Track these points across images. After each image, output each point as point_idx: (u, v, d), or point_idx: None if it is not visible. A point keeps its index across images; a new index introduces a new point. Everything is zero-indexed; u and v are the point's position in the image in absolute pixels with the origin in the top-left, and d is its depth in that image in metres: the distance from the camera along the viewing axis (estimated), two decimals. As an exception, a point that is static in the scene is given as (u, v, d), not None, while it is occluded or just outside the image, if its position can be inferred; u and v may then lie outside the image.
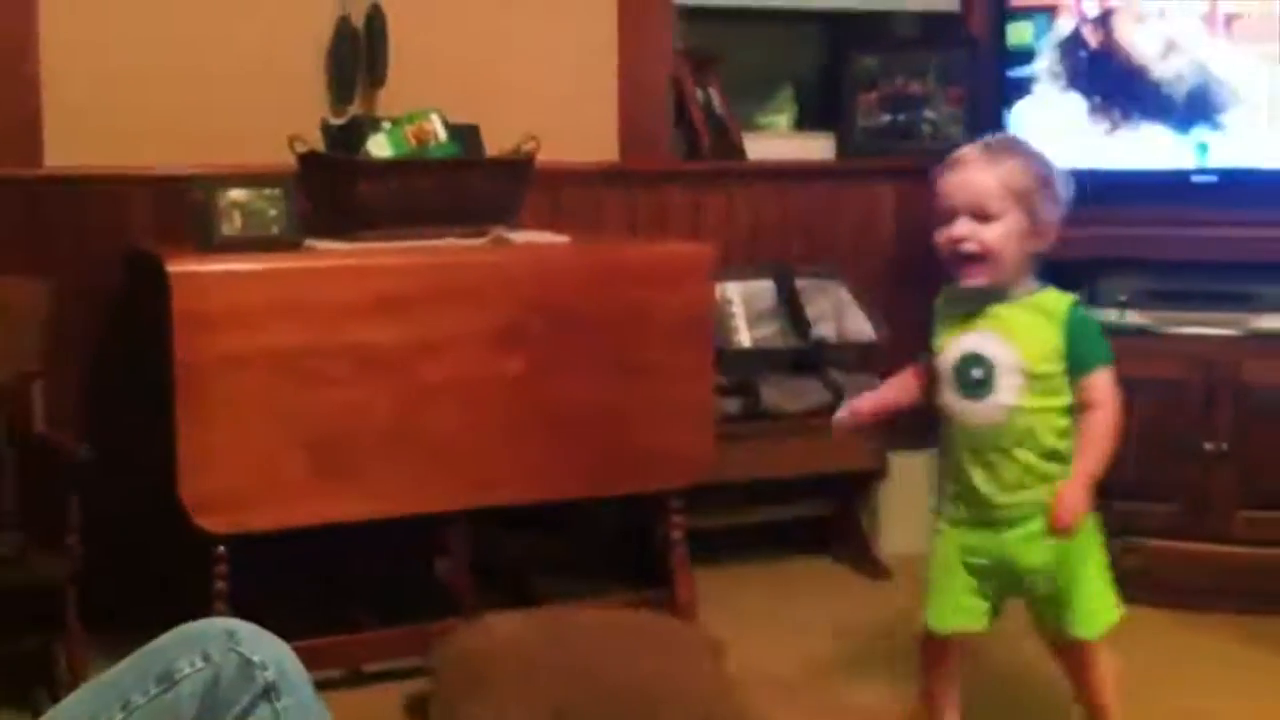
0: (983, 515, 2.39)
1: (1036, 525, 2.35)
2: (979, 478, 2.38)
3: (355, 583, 3.10)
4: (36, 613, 2.70)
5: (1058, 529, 2.30)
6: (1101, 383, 2.35)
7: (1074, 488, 2.31)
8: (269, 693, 1.29)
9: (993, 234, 2.34)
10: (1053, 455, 2.36)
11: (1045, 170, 2.38)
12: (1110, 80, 3.72)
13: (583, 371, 2.93)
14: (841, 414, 2.54)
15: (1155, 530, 3.57)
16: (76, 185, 3.14)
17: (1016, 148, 2.42)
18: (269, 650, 1.32)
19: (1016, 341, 2.35)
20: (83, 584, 2.71)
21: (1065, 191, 2.39)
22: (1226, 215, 3.62)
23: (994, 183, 2.34)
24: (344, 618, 2.92)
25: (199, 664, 1.29)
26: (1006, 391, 2.34)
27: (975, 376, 2.36)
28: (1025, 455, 2.35)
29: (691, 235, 3.70)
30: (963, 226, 2.35)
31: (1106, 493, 3.50)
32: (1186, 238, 3.62)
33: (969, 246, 2.34)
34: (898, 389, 2.56)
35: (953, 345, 2.40)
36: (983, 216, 2.34)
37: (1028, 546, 2.37)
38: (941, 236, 2.39)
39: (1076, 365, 2.35)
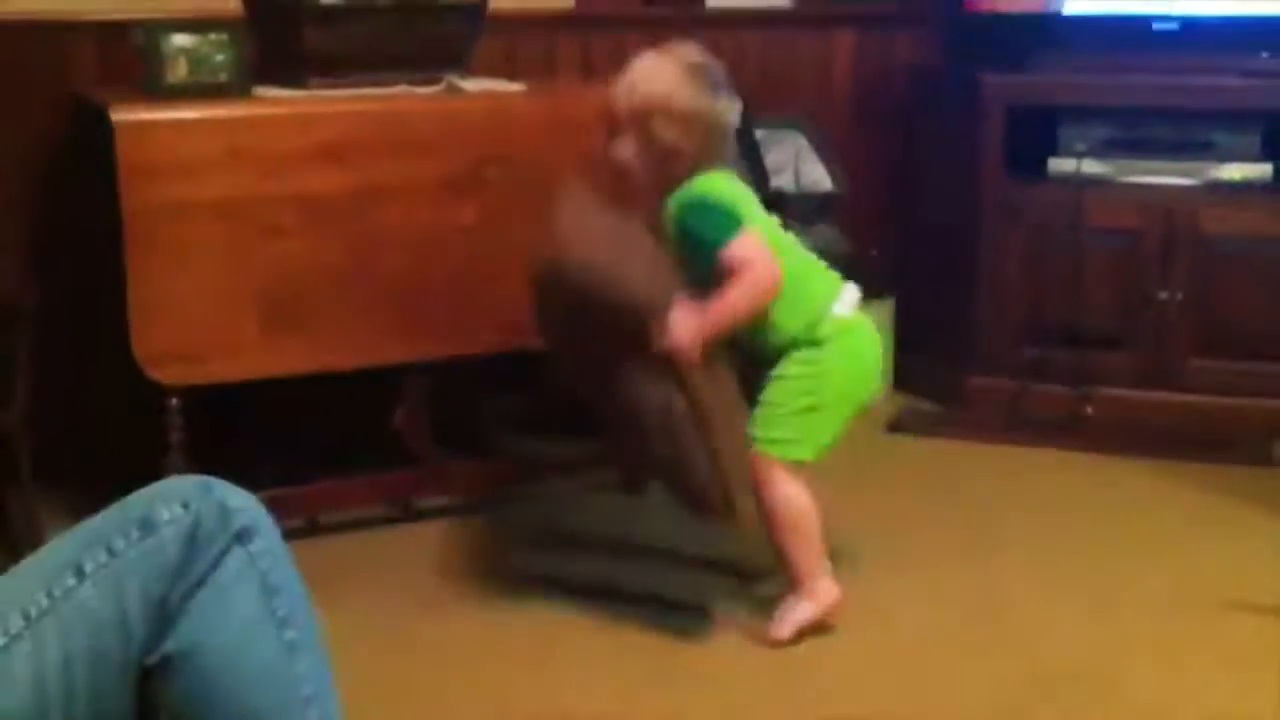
0: None
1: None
2: None
3: (311, 434, 3.09)
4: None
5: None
6: (727, 258, 2.38)
7: (684, 309, 2.32)
8: (242, 536, 1.34)
9: (621, 152, 2.43)
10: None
11: (667, 95, 2.39)
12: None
13: (538, 221, 2.89)
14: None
15: (1111, 378, 3.61)
16: (17, 31, 3.05)
17: (654, 66, 2.43)
18: (243, 498, 1.37)
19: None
20: (36, 437, 2.69)
21: (699, 116, 2.41)
22: (1187, 63, 3.59)
23: (621, 102, 2.42)
24: (300, 469, 2.92)
25: (178, 511, 1.32)
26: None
27: None
28: None
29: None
30: (605, 140, 2.46)
31: (1062, 340, 3.56)
32: (1146, 85, 3.60)
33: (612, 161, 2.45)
34: None
35: None
36: (614, 132, 2.44)
37: None
38: None
39: (705, 252, 2.40)
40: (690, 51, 2.47)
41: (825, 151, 3.71)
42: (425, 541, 2.89)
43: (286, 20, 2.88)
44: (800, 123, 3.77)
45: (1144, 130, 3.63)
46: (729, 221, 2.40)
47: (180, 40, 2.73)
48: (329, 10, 2.90)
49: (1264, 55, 3.57)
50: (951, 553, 2.85)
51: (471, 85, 2.98)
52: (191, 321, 2.65)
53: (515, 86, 3.07)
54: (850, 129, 3.99)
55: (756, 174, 3.68)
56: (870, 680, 2.35)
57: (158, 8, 2.98)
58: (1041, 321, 3.64)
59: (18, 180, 3.08)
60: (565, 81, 3.55)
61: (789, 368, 2.46)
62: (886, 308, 3.89)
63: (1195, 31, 3.62)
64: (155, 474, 1.45)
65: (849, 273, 3.63)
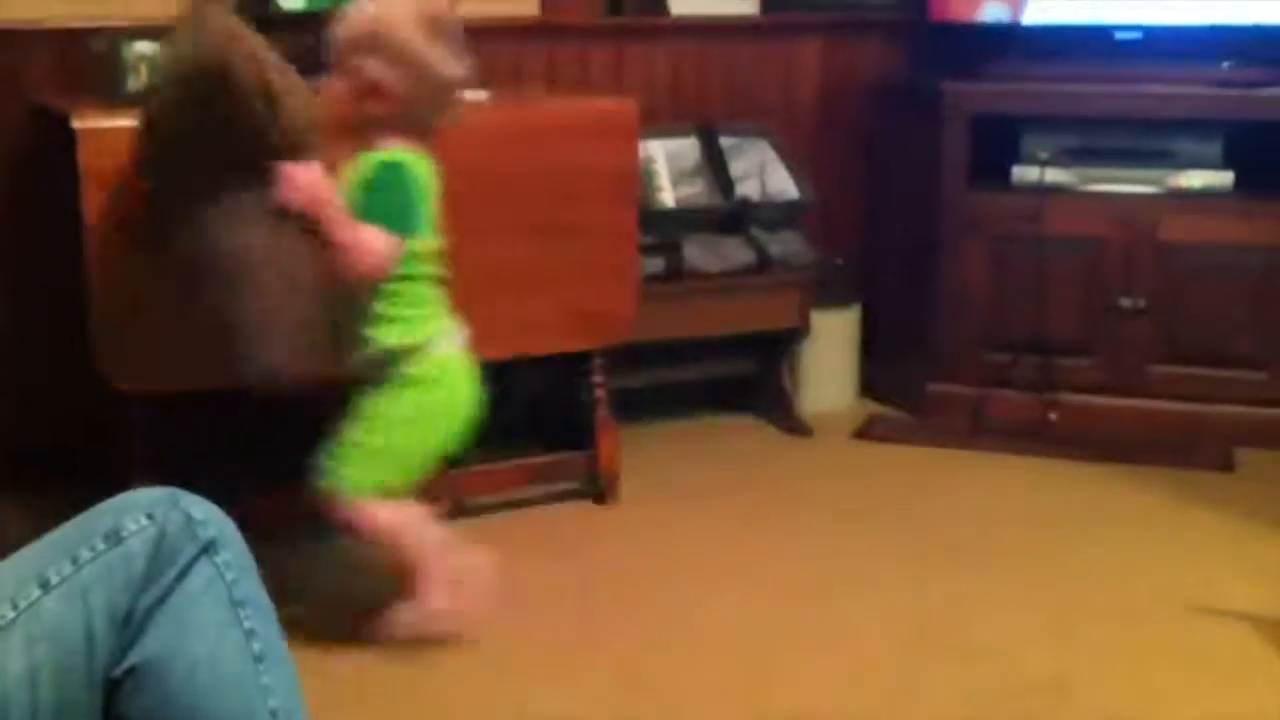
0: None
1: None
2: None
3: (276, 445, 3.07)
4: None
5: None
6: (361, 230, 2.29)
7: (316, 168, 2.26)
8: (209, 548, 1.34)
9: (331, 84, 2.34)
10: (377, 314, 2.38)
11: (388, 28, 2.28)
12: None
13: (503, 230, 2.89)
14: None
15: (1074, 385, 3.63)
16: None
17: (376, 4, 2.32)
18: (209, 509, 1.37)
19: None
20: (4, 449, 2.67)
21: (416, 63, 2.29)
22: (1149, 72, 3.62)
23: (343, 28, 2.32)
24: (270, 480, 2.89)
25: (144, 522, 1.32)
26: None
27: None
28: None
29: (613, 92, 3.64)
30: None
31: (1026, 347, 3.58)
32: (1109, 94, 3.62)
33: None
34: None
35: None
36: (337, 64, 2.33)
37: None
38: None
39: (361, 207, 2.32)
40: (436, 4, 2.35)
41: (792, 160, 3.71)
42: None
43: (250, 27, 2.86)
44: (767, 131, 3.78)
45: (1106, 139, 3.66)
46: (392, 217, 2.32)
47: (141, 48, 2.71)
48: (293, 18, 2.90)
49: (1225, 65, 3.60)
50: (916, 559, 2.85)
51: (436, 93, 2.97)
52: (151, 331, 2.62)
53: (480, 94, 3.06)
54: (817, 138, 4.00)
55: (721, 182, 3.69)
56: (835, 691, 2.34)
57: (117, 14, 2.96)
58: (1005, 328, 3.66)
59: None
60: (530, 90, 3.54)
61: (370, 407, 2.41)
62: (852, 315, 3.91)
63: (1157, 41, 3.64)
64: (123, 484, 1.44)
65: (816, 281, 3.67)
